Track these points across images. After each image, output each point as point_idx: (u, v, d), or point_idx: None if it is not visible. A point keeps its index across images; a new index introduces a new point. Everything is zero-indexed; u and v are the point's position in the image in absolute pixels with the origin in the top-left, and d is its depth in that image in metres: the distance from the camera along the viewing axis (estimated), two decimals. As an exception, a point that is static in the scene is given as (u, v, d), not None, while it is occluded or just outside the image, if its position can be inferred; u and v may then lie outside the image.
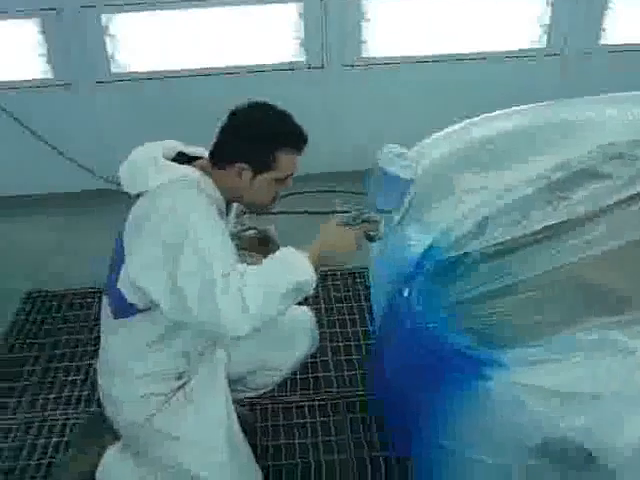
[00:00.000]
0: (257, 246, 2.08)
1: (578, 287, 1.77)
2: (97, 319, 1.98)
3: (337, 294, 3.05)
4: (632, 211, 1.90)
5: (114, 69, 3.72)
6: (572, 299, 1.75)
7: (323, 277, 3.14)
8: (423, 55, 3.79)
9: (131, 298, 1.70)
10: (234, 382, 2.05)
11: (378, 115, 3.89)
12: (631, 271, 1.79)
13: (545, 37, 3.84)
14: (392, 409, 1.94)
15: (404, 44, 3.78)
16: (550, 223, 1.93)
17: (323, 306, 2.95)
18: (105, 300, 1.83)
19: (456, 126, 2.43)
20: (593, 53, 3.87)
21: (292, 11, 3.65)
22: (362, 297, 3.01)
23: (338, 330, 2.80)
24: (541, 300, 1.74)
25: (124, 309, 1.72)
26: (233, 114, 1.75)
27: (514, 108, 2.43)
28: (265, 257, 1.65)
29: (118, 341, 1.80)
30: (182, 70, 3.71)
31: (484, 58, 3.82)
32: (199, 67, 3.72)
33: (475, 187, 2.17)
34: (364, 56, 3.78)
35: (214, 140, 1.75)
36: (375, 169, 1.83)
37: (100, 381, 1.90)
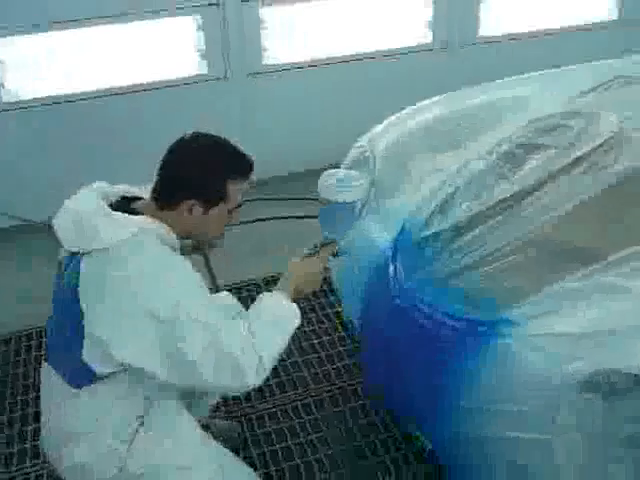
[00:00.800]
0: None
1: (549, 248, 1.90)
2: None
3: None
4: (577, 174, 2.09)
5: (4, 97, 3.48)
6: (547, 259, 1.88)
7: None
8: (324, 57, 3.91)
9: (100, 370, 1.58)
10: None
11: (288, 120, 3.95)
12: (591, 227, 1.95)
13: (430, 33, 4.10)
14: (397, 390, 1.98)
15: (303, 48, 3.87)
16: (507, 194, 2.09)
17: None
18: (50, 369, 1.69)
19: (402, 113, 2.55)
20: (474, 44, 4.19)
21: (190, 24, 3.61)
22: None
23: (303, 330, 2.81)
24: (519, 264, 1.86)
25: (88, 378, 1.60)
26: (174, 150, 1.67)
27: (449, 93, 2.60)
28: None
29: (80, 407, 1.64)
30: (80, 93, 3.55)
31: (381, 57, 4.01)
32: (99, 88, 3.57)
33: (431, 169, 2.30)
34: (266, 63, 3.83)
35: (156, 180, 1.66)
36: (321, 199, 1.89)
37: (55, 454, 1.71)
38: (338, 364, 2.63)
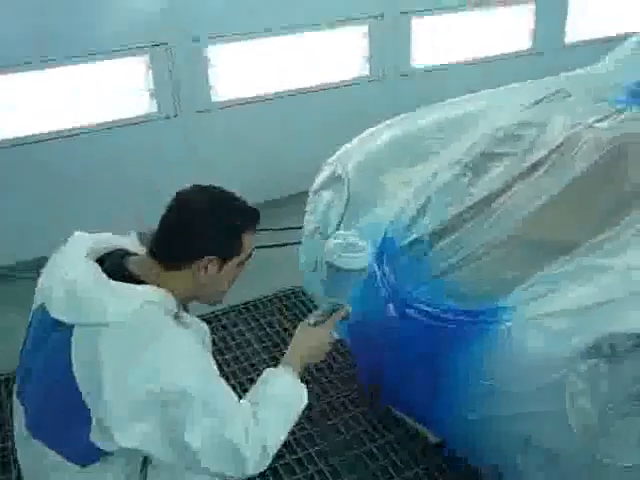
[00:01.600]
0: None
1: (526, 243, 2.06)
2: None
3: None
4: (537, 177, 2.29)
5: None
6: (527, 252, 2.02)
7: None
8: (270, 92, 4.03)
9: (110, 448, 1.44)
10: None
11: (237, 154, 4.03)
12: (559, 221, 2.12)
13: (367, 66, 4.33)
14: (402, 389, 2.05)
15: (249, 84, 3.98)
16: (478, 199, 2.25)
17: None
18: (38, 446, 1.50)
19: (367, 132, 2.69)
20: (408, 75, 4.45)
21: (139, 64, 3.66)
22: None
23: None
24: (503, 258, 2.01)
25: (96, 455, 1.47)
26: (179, 206, 1.56)
27: (409, 113, 2.77)
28: None
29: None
30: (32, 135, 3.50)
31: (324, 89, 4.18)
32: (50, 130, 3.54)
33: (402, 182, 2.44)
34: (214, 100, 3.91)
35: (157, 238, 1.54)
36: (326, 262, 1.80)
37: None
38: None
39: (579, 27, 5.09)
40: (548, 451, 1.60)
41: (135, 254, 1.62)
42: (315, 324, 1.76)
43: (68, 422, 1.45)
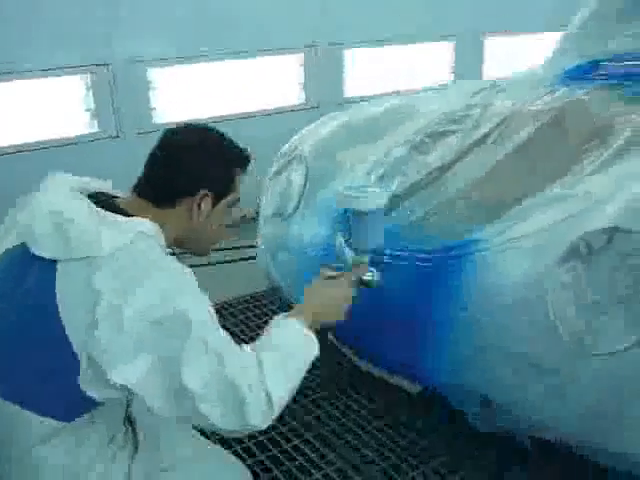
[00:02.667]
0: None
1: (480, 200, 2.15)
2: None
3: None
4: (486, 146, 2.42)
5: None
6: (485, 206, 2.13)
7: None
8: (210, 116, 4.09)
9: (99, 396, 1.34)
10: None
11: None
12: (509, 182, 2.24)
13: (303, 94, 4.49)
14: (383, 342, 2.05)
15: (190, 108, 4.04)
16: (432, 168, 2.35)
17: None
18: (15, 411, 1.33)
19: (324, 118, 2.80)
20: (342, 104, 4.63)
21: (80, 83, 3.65)
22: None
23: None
24: (467, 208, 2.10)
25: (84, 407, 1.36)
26: (170, 142, 1.52)
27: (360, 104, 2.90)
28: None
29: (63, 441, 1.36)
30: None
31: (262, 115, 4.29)
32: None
33: (358, 158, 2.52)
34: (156, 122, 3.93)
35: (147, 175, 1.49)
36: (346, 211, 1.75)
37: None
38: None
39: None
40: (539, 364, 1.64)
41: (117, 196, 1.54)
42: (332, 277, 1.65)
43: (50, 370, 1.31)
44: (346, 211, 1.72)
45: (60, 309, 1.28)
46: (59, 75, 3.57)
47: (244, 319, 3.05)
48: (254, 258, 2.79)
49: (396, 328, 1.99)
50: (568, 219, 1.71)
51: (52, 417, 1.33)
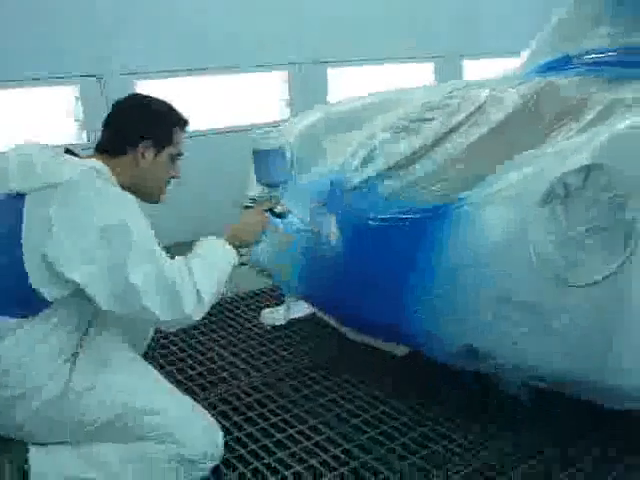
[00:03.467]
0: None
1: (463, 170, 2.23)
2: None
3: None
4: (467, 125, 2.50)
5: None
6: (465, 177, 2.20)
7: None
8: (198, 130, 4.16)
9: (50, 295, 1.61)
10: None
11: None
12: (487, 159, 2.31)
13: (288, 110, 4.60)
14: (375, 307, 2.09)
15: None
16: (415, 148, 2.43)
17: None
18: None
19: (307, 111, 2.90)
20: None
21: (69, 93, 3.73)
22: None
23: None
24: (448, 177, 2.18)
25: (37, 305, 1.62)
26: (121, 104, 1.87)
27: (341, 99, 3.01)
28: None
29: (19, 339, 1.62)
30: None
31: (248, 130, 4.37)
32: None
33: (343, 143, 2.60)
34: (144, 134, 3.99)
35: (103, 133, 1.83)
36: (254, 152, 2.09)
37: None
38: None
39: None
40: (523, 304, 1.68)
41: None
42: (245, 207, 2.03)
43: (5, 274, 1.61)
44: (253, 151, 2.07)
45: (24, 228, 1.59)
46: (49, 85, 3.65)
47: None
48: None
49: (381, 289, 2.03)
50: (543, 169, 1.79)
51: (8, 315, 1.61)
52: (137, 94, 2.02)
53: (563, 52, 2.96)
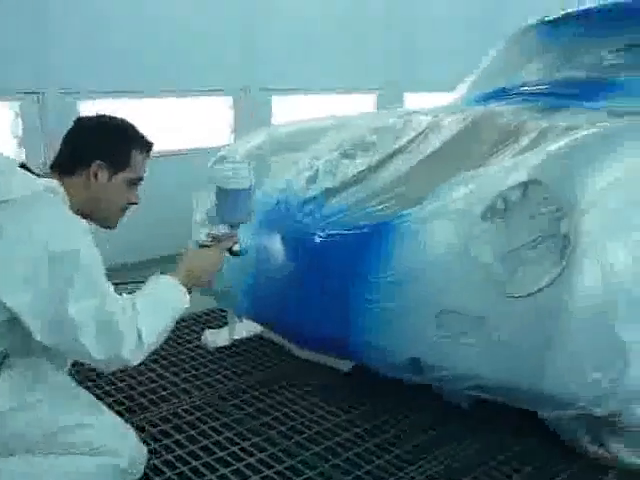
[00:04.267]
0: None
1: (402, 192, 2.30)
2: None
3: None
4: (406, 152, 2.58)
5: None
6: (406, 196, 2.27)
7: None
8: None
9: None
10: None
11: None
12: (428, 180, 2.39)
13: (232, 135, 4.63)
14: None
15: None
16: (358, 170, 2.49)
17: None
18: None
19: (251, 133, 2.94)
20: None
21: (9, 109, 3.64)
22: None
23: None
24: (391, 197, 2.23)
25: None
26: (78, 123, 1.77)
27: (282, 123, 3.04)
28: None
29: None
30: None
31: (193, 154, 4.37)
32: None
33: (290, 162, 2.64)
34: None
35: (59, 151, 1.72)
36: (213, 186, 1.92)
37: None
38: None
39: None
40: (465, 316, 1.73)
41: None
42: (203, 246, 1.85)
43: None
44: (218, 189, 1.90)
45: None
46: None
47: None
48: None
49: (327, 305, 2.04)
50: (484, 186, 1.86)
51: None
52: (103, 114, 1.80)
53: (499, 84, 3.12)
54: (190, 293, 1.73)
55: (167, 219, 4.04)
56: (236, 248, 1.93)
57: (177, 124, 4.35)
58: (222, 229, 1.91)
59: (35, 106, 3.72)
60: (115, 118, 1.80)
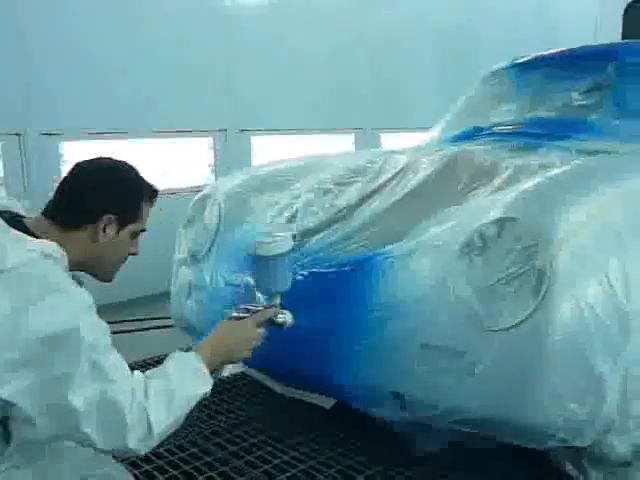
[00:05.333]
0: None
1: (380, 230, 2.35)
2: None
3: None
4: (386, 189, 2.63)
5: None
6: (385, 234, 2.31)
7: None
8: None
9: None
10: None
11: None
12: (408, 218, 2.44)
13: (213, 175, 4.68)
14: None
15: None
16: (337, 209, 2.54)
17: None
18: None
19: (232, 173, 2.98)
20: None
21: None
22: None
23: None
24: (372, 234, 2.28)
25: None
26: (81, 166, 1.59)
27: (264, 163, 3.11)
28: None
29: None
30: None
31: (173, 193, 4.41)
32: None
33: (269, 202, 2.68)
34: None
35: (57, 198, 1.54)
36: (254, 256, 1.81)
37: None
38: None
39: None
40: (446, 350, 1.76)
41: (25, 217, 1.57)
42: (238, 318, 1.68)
43: None
44: (254, 256, 1.79)
45: None
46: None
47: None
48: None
49: (309, 342, 2.05)
50: (461, 223, 1.92)
51: None
52: (102, 157, 1.64)
53: (473, 124, 3.21)
54: (217, 374, 1.59)
55: (148, 259, 3.99)
56: (281, 319, 1.76)
57: (158, 165, 4.40)
58: (260, 300, 1.76)
59: (16, 147, 3.74)
60: (119, 164, 1.63)
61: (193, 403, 1.49)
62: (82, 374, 1.32)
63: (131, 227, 1.58)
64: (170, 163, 4.46)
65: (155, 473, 2.14)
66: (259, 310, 1.71)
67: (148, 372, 1.48)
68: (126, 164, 1.64)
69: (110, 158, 1.65)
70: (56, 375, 1.31)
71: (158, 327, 3.68)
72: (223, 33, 4.70)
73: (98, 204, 1.52)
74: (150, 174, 4.17)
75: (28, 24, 3.79)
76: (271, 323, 1.74)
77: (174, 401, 1.44)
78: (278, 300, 1.78)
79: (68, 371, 1.31)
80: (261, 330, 1.69)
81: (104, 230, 1.52)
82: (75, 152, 4.01)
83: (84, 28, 4.02)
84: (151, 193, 1.64)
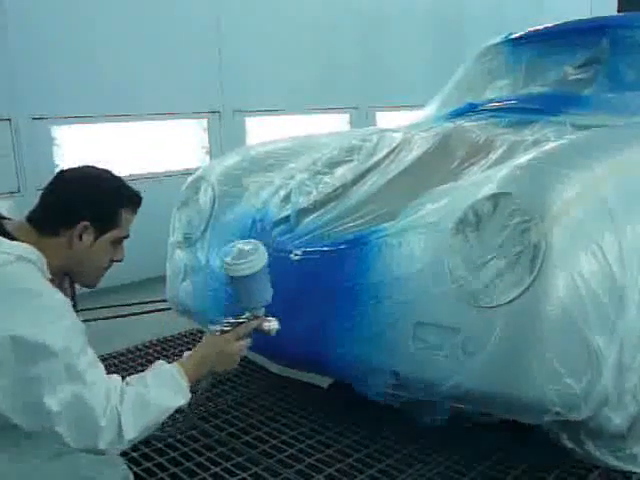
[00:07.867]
0: None
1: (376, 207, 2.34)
2: None
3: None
4: (380, 168, 2.63)
5: None
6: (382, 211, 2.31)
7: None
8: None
9: None
10: None
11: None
12: (403, 194, 2.44)
13: (207, 157, 4.65)
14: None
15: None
16: (332, 188, 2.53)
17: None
18: None
19: (226, 154, 2.95)
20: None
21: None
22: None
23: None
24: (368, 212, 2.28)
25: None
26: (63, 176, 1.61)
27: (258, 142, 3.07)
28: None
29: None
30: None
31: (168, 176, 4.39)
32: None
33: (265, 182, 2.67)
34: (59, 179, 3.92)
35: (39, 204, 1.56)
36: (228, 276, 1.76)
37: None
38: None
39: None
40: (441, 327, 1.77)
41: (9, 219, 1.60)
42: (222, 332, 1.69)
43: None
44: (230, 277, 1.75)
45: None
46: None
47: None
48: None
49: (306, 321, 2.06)
50: (456, 199, 1.91)
51: None
52: (87, 166, 1.65)
53: (467, 101, 3.19)
54: (196, 385, 1.63)
55: (143, 242, 3.99)
56: (266, 328, 1.75)
57: (152, 147, 4.38)
58: (243, 317, 1.73)
59: (5, 131, 3.71)
60: (102, 173, 1.64)
61: (166, 415, 1.54)
62: (56, 378, 1.36)
63: (110, 234, 1.60)
64: (165, 146, 4.43)
65: (154, 455, 2.14)
66: (242, 322, 1.71)
67: (129, 378, 1.52)
68: (108, 172, 1.65)
69: (94, 167, 1.67)
70: (30, 376, 1.35)
71: (156, 310, 3.67)
72: (215, 15, 4.65)
73: (73, 211, 1.54)
74: (145, 157, 4.16)
75: (13, 7, 3.74)
76: (261, 332, 1.75)
77: (148, 410, 1.48)
78: (262, 311, 1.75)
79: (42, 375, 1.35)
80: (243, 342, 1.70)
81: (80, 237, 1.55)
82: (67, 136, 3.98)
83: (72, 10, 3.97)
84: (134, 202, 1.65)
